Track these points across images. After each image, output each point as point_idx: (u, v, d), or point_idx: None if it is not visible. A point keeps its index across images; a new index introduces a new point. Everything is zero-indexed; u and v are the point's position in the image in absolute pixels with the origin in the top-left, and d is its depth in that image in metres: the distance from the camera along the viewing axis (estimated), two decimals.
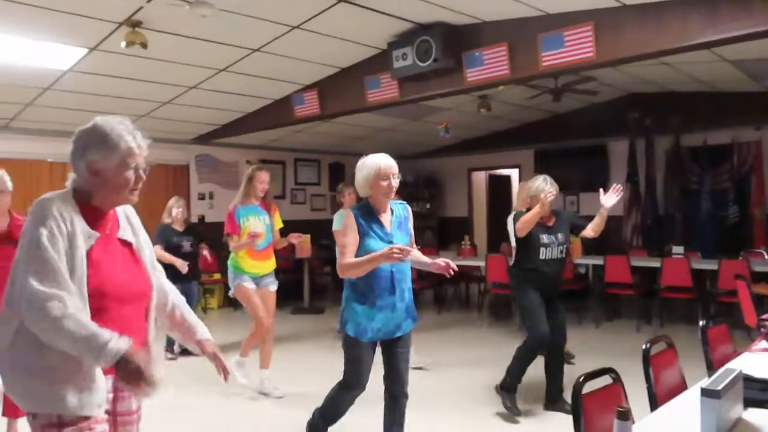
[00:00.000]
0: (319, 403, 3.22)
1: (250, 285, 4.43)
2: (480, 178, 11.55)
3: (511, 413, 3.93)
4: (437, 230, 11.30)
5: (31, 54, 4.87)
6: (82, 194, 1.77)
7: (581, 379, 2.00)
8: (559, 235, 4.02)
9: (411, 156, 11.38)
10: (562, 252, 4.05)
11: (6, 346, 1.64)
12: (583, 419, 1.94)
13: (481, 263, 7.31)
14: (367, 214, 2.94)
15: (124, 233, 1.89)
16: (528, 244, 4.00)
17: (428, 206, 11.37)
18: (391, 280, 2.90)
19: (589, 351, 5.55)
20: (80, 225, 1.72)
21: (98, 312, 1.67)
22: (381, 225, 2.94)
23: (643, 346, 2.38)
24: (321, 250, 9.48)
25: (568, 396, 3.97)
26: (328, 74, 6.11)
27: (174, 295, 2.06)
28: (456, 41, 4.93)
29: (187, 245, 5.71)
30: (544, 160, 9.73)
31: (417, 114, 7.92)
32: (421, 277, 6.85)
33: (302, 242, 8.15)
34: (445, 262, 2.88)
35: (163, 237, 5.63)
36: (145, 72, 5.54)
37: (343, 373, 3.04)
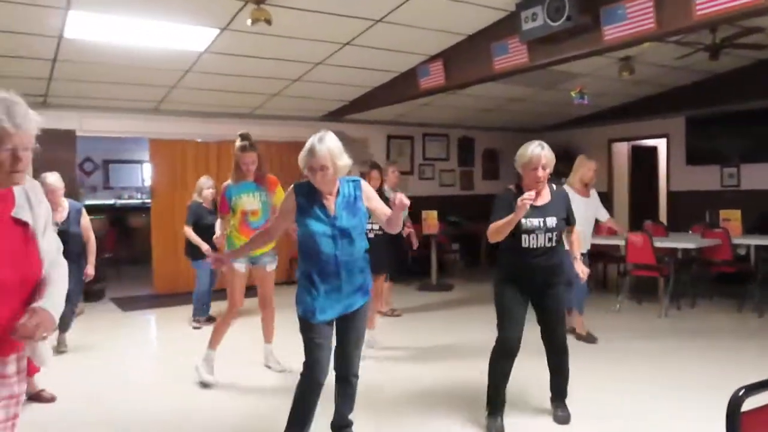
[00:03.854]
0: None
1: (240, 266, 4.13)
2: (622, 149, 10.66)
3: None
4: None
5: (171, 37, 5.15)
6: None
7: (741, 393, 1.42)
8: (549, 220, 3.20)
9: (545, 128, 10.78)
10: (552, 240, 3.23)
11: None
12: None
13: (621, 242, 6.72)
14: (310, 192, 2.81)
15: (19, 212, 1.78)
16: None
17: (563, 181, 10.73)
18: (336, 264, 2.76)
19: (750, 348, 4.90)
20: None
21: None
22: (323, 207, 2.79)
23: None
24: (449, 226, 9.33)
25: (571, 400, 3.51)
26: (453, 42, 5.86)
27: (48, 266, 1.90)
28: None
29: None
30: (697, 128, 8.74)
31: (550, 82, 7.41)
32: None
33: (429, 218, 8.09)
34: (398, 199, 2.67)
35: (194, 216, 5.80)
36: (273, 50, 5.66)
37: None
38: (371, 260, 4.50)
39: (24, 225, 1.79)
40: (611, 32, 4.46)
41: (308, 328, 2.81)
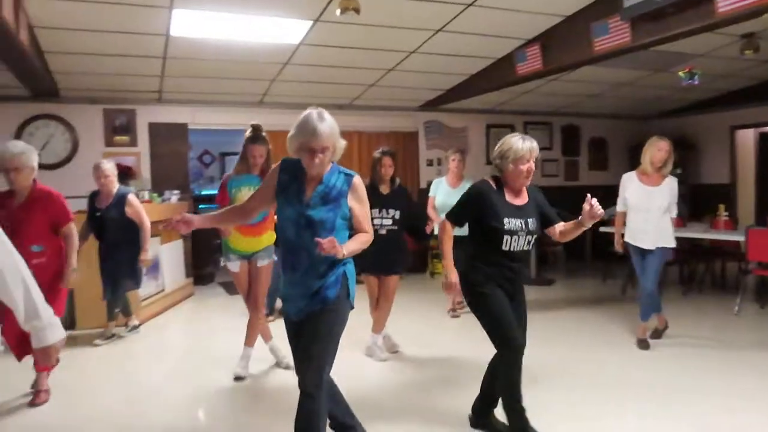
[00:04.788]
0: None
1: (233, 267, 4.06)
2: (746, 137, 9.70)
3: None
4: (690, 199, 9.84)
5: (268, 31, 5.33)
6: None
7: None
8: (530, 222, 2.95)
9: (658, 114, 10.07)
10: (529, 243, 2.98)
11: None
12: None
13: (741, 238, 6.12)
14: (295, 171, 2.57)
15: None
16: (487, 229, 2.94)
17: (679, 171, 9.94)
18: (298, 255, 2.54)
19: None
20: None
21: None
22: (301, 189, 2.55)
23: None
24: None
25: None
26: (550, 25, 5.58)
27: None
28: None
29: None
30: None
31: (661, 64, 6.88)
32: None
33: None
34: (320, 243, 2.32)
35: None
36: (366, 40, 5.69)
37: None
38: (383, 259, 4.37)
39: None
40: (725, 4, 4.04)
41: (285, 325, 2.69)
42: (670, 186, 4.66)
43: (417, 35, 5.68)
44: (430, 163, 9.21)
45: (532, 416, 3.02)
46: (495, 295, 2.94)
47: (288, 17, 5.07)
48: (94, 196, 5.19)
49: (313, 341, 2.52)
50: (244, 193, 3.87)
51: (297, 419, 2.50)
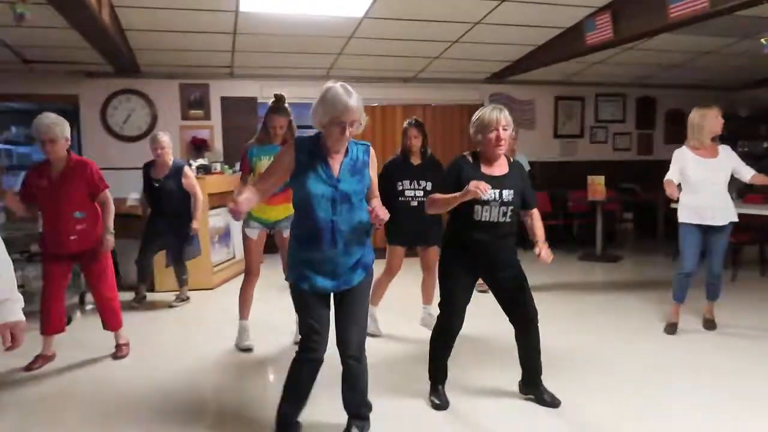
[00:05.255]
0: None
1: (252, 233, 4.13)
2: None
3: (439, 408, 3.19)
4: None
5: (331, 4, 5.40)
6: None
7: None
8: (506, 192, 2.96)
9: (743, 85, 9.46)
10: (506, 215, 2.98)
11: None
12: None
13: None
14: (314, 149, 2.58)
15: None
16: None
17: (766, 145, 9.37)
18: (332, 232, 2.53)
19: None
20: None
21: None
22: (327, 165, 2.56)
23: None
24: (621, 193, 8.70)
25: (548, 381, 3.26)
26: None
27: None
28: None
29: None
30: None
31: (748, 30, 6.44)
32: (740, 228, 5.63)
33: (595, 183, 7.62)
34: (373, 210, 2.47)
35: None
36: (430, 12, 5.65)
37: None
38: (420, 231, 4.36)
39: None
40: None
41: (301, 298, 2.64)
42: (727, 154, 4.40)
43: (482, 5, 5.58)
44: None
45: (579, 406, 3.03)
46: (455, 276, 3.08)
47: None
48: (148, 167, 5.46)
49: (357, 307, 2.67)
50: (265, 163, 3.91)
51: (348, 384, 2.72)
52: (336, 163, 2.58)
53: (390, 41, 6.59)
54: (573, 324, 4.83)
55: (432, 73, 8.18)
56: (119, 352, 4.14)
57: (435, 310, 4.61)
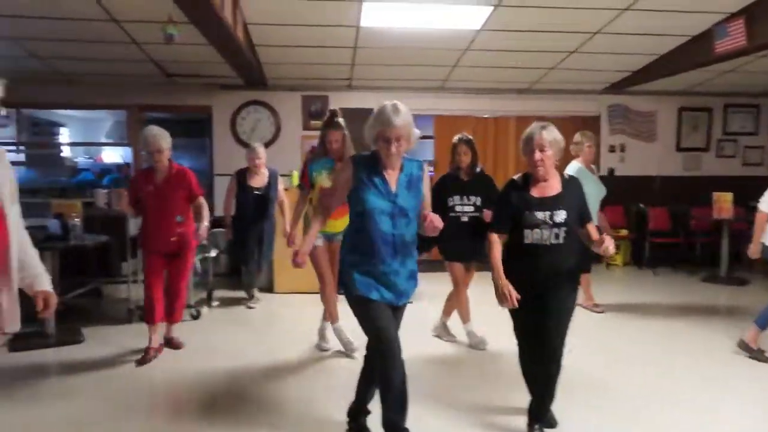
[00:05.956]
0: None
1: (318, 241, 4.17)
2: None
3: None
4: None
5: (449, 18, 5.54)
6: None
7: None
8: (558, 214, 2.85)
9: None
10: (558, 237, 2.86)
11: None
12: None
13: None
14: (371, 165, 2.66)
15: None
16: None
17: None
18: (393, 245, 2.65)
19: None
20: None
21: None
22: (384, 181, 2.66)
23: None
24: (749, 212, 8.08)
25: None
26: None
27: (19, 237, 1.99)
28: None
29: None
30: None
31: None
32: None
33: (721, 200, 7.17)
34: (428, 217, 2.58)
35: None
36: (548, 22, 5.65)
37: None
38: (472, 247, 4.29)
39: None
40: None
41: (369, 308, 2.65)
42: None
43: (602, 15, 5.50)
44: (612, 149, 8.78)
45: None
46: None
47: (469, 4, 5.23)
48: (241, 175, 5.81)
49: (402, 313, 2.87)
50: (324, 177, 4.08)
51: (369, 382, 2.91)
52: (392, 179, 2.68)
53: (506, 53, 6.63)
54: (698, 349, 4.59)
55: (547, 84, 8.10)
56: (173, 342, 4.53)
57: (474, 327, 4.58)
